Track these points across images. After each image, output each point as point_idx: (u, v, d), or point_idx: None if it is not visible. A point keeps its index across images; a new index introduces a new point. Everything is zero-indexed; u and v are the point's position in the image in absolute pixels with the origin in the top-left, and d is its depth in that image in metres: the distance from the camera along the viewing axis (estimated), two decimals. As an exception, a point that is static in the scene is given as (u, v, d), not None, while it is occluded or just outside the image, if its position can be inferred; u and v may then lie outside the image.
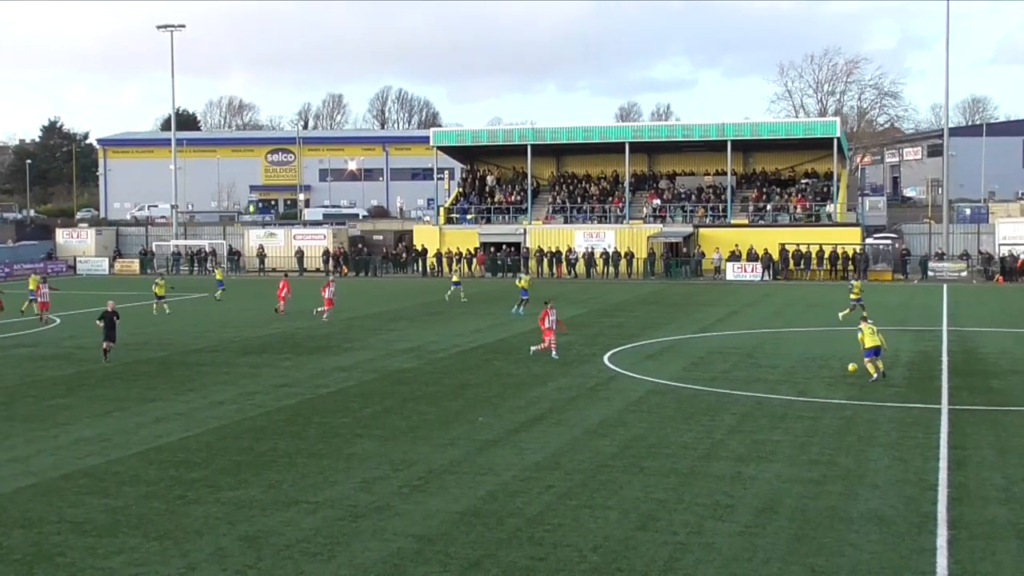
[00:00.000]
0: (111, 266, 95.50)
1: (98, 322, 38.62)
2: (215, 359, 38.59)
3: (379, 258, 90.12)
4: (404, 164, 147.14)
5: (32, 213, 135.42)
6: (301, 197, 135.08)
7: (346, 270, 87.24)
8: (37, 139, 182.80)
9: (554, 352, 37.74)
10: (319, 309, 52.20)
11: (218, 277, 57.75)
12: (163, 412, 28.54)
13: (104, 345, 38.07)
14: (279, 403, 29.70)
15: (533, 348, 38.64)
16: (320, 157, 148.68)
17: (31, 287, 53.46)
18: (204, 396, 30.94)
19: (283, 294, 54.87)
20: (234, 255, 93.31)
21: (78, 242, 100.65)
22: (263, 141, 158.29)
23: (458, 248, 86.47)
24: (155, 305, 55.45)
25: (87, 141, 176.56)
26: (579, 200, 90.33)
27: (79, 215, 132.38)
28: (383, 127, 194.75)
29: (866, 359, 32.48)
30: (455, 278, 64.60)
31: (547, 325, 37.99)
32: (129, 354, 40.23)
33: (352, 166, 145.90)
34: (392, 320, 51.66)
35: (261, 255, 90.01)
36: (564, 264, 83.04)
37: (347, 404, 29.44)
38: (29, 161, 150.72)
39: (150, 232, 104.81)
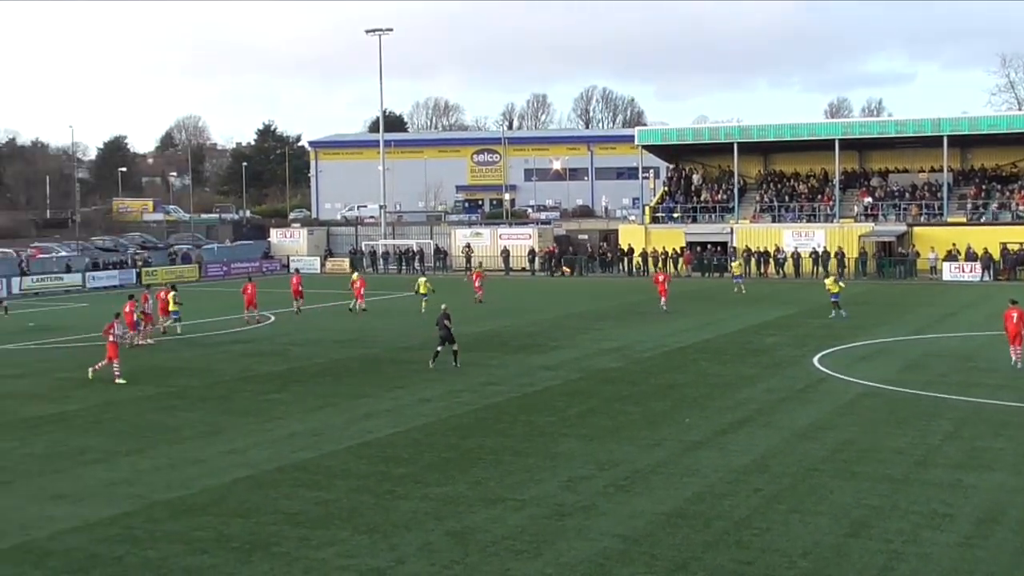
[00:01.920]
0: (322, 265, 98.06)
1: (437, 327, 38.74)
2: (423, 357, 39.19)
3: (584, 257, 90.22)
4: (609, 163, 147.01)
5: (248, 214, 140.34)
6: (507, 197, 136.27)
7: (568, 270, 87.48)
8: (252, 142, 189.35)
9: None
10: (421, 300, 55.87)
11: (421, 291, 57.15)
12: (372, 408, 29.16)
13: (438, 348, 36.85)
14: (485, 401, 30.01)
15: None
16: (525, 157, 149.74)
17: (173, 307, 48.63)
18: (412, 393, 31.49)
19: (478, 284, 60.73)
20: (440, 254, 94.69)
21: (291, 241, 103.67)
22: (469, 141, 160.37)
23: (664, 247, 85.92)
24: (424, 303, 56.16)
25: (299, 143, 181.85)
26: (787, 199, 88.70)
27: (292, 215, 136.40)
28: (587, 126, 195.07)
29: None
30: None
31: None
32: (340, 351, 41.26)
33: (557, 166, 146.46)
34: (597, 319, 51.71)
35: (467, 255, 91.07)
36: (772, 264, 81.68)
37: (552, 403, 29.55)
38: (245, 163, 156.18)
39: (359, 232, 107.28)
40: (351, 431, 26.21)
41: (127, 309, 43.30)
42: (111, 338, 34.84)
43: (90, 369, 35.40)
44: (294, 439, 25.39)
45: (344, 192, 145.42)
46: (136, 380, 34.85)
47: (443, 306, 38.71)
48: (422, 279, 58.79)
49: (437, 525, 18.38)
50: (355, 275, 60.43)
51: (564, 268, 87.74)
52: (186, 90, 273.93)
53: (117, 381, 33.99)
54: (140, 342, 43.81)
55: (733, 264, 75.00)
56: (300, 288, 57.80)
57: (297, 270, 66.76)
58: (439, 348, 36.62)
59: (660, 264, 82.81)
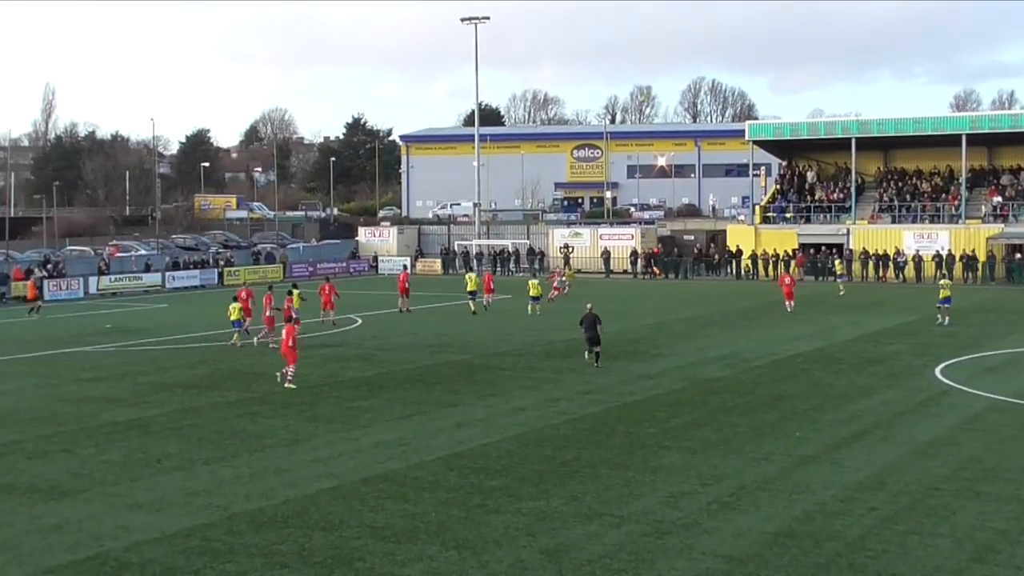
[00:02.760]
0: (413, 266, 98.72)
1: (582, 328, 39.48)
2: (517, 363, 39.36)
3: (690, 259, 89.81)
4: (717, 159, 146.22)
5: (335, 211, 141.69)
6: (608, 195, 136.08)
7: (658, 272, 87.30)
8: (341, 136, 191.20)
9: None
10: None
11: (532, 293, 57.76)
12: (464, 417, 29.33)
13: (586, 351, 38.86)
14: (583, 411, 30.04)
15: None
16: (628, 152, 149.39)
17: (295, 304, 48.58)
18: (506, 401, 31.63)
19: (556, 283, 63.99)
20: (537, 255, 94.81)
21: (380, 241, 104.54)
22: (569, 136, 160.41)
23: (775, 249, 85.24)
24: (535, 307, 57.14)
25: (390, 138, 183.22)
26: (908, 198, 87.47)
27: (381, 213, 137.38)
28: (695, 120, 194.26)
29: None
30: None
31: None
32: (431, 356, 41.55)
33: (661, 162, 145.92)
34: (703, 325, 51.50)
35: (566, 255, 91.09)
36: (892, 267, 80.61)
37: (654, 413, 29.49)
38: (333, 159, 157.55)
39: (452, 231, 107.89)
40: (441, 441, 26.38)
41: (266, 302, 45.84)
42: (268, 312, 43.29)
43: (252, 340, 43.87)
44: (381, 449, 25.61)
45: (436, 189, 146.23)
46: (218, 385, 35.41)
47: (588, 306, 39.44)
48: (534, 280, 59.11)
49: (530, 542, 18.42)
50: (470, 275, 61.57)
51: (654, 269, 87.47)
52: (272, 81, 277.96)
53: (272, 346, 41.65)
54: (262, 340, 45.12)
55: (836, 263, 75.04)
56: (407, 286, 59.82)
57: (405, 267, 67.86)
58: (587, 351, 38.56)
59: (783, 266, 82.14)
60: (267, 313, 45.50)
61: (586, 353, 38.81)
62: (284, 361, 35.48)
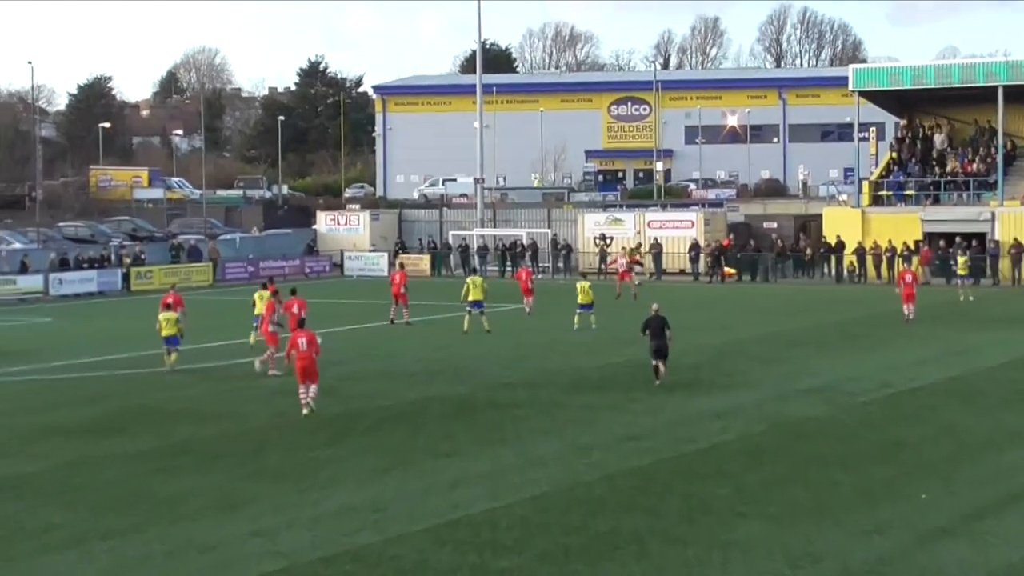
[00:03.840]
0: (392, 263, 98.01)
1: (646, 334, 40.64)
2: (534, 397, 39.30)
3: (772, 255, 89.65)
4: (809, 117, 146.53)
5: (285, 190, 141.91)
6: (659, 166, 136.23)
7: (729, 272, 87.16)
8: (293, 87, 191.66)
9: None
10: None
11: (581, 299, 57.98)
12: (461, 472, 29.25)
13: (654, 363, 40.59)
14: (624, 463, 29.95)
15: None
16: (686, 109, 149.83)
17: (257, 310, 51.36)
18: (518, 450, 31.54)
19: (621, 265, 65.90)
20: (561, 249, 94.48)
21: (346, 230, 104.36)
22: (605, 87, 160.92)
23: (890, 241, 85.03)
24: (590, 317, 57.49)
25: (360, 89, 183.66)
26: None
27: (348, 192, 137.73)
28: (778, 64, 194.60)
29: None
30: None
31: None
32: (416, 388, 41.55)
33: (733, 121, 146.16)
34: (790, 345, 51.51)
35: (602, 250, 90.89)
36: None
37: (723, 467, 29.39)
38: (282, 118, 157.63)
39: (445, 217, 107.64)
40: (430, 505, 26.32)
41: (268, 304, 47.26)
42: (269, 325, 44.78)
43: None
44: (348, 516, 25.56)
45: (424, 160, 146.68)
46: (122, 428, 35.40)
47: (654, 306, 40.39)
48: (583, 283, 58.99)
49: (553, 644, 18.37)
50: (472, 279, 60.77)
51: (726, 269, 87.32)
52: (197, 12, 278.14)
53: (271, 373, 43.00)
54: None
55: (960, 260, 74.20)
56: (404, 290, 60.27)
57: (401, 264, 68.17)
58: (655, 362, 40.51)
59: (901, 262, 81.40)
60: (267, 328, 46.13)
61: (654, 368, 40.45)
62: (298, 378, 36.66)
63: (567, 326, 57.08)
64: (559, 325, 57.62)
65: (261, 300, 50.33)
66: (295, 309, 47.13)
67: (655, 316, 39.68)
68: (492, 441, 32.85)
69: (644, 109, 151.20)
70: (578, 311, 57.31)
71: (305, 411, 36.68)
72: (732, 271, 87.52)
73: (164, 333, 46.06)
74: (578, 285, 58.71)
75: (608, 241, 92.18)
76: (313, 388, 36.84)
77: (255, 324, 50.80)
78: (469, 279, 59.68)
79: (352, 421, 36.07)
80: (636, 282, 67.95)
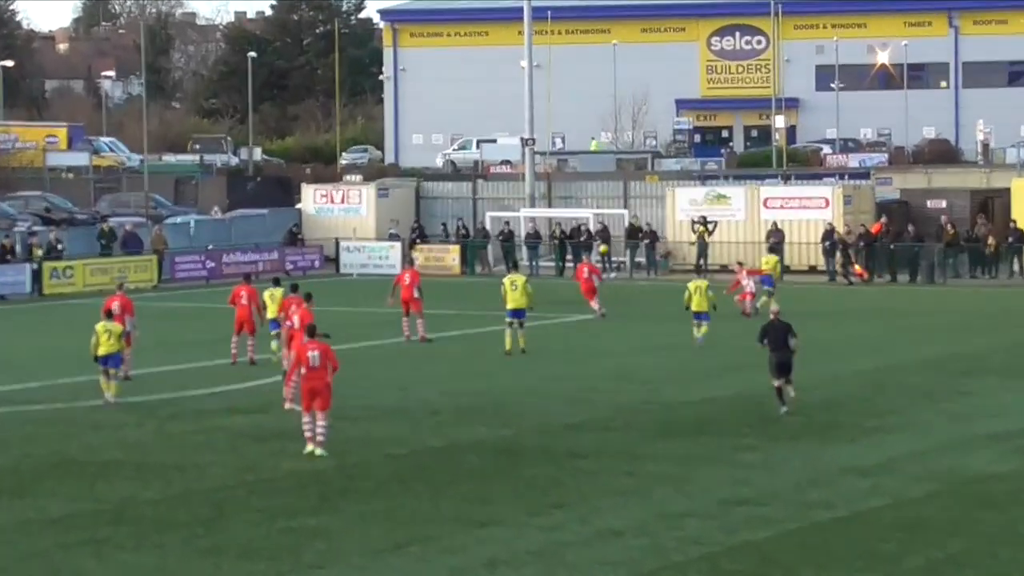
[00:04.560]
0: (405, 257, 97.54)
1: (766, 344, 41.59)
2: (605, 445, 39.36)
3: (940, 246, 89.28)
4: (992, 53, 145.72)
5: (258, 155, 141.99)
6: (779, 122, 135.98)
7: (860, 272, 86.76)
8: (267, 13, 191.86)
9: None
10: None
11: (695, 305, 57.60)
12: (503, 548, 29.24)
13: (776, 384, 41.76)
14: (732, 537, 29.91)
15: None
16: (817, 41, 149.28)
17: (271, 313, 53.25)
18: (583, 519, 31.51)
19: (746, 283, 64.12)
20: (644, 236, 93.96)
21: (344, 211, 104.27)
22: (704, 10, 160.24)
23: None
24: (703, 328, 58.19)
25: (360, 15, 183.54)
26: None
27: (346, 159, 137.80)
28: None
29: None
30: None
31: None
32: (439, 431, 41.58)
33: (883, 58, 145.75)
34: (967, 373, 51.56)
35: (701, 236, 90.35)
36: None
37: (872, 546, 29.31)
38: (253, 55, 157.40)
39: (480, 191, 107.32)
40: (458, 594, 26.42)
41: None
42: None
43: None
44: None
45: (450, 113, 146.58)
46: (32, 486, 35.50)
47: (773, 310, 41.81)
48: (700, 282, 59.05)
49: None
50: (512, 278, 60.90)
51: (855, 268, 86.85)
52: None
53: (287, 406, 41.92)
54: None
55: None
56: (417, 293, 60.69)
57: (411, 261, 68.39)
58: (777, 382, 41.29)
59: None
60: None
61: (777, 391, 41.58)
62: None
63: (649, 345, 57.09)
64: (640, 344, 57.60)
65: (273, 300, 52.15)
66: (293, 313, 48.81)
67: (776, 321, 40.49)
68: (546, 505, 32.84)
69: (759, 42, 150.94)
70: (695, 325, 57.43)
71: (314, 449, 37.34)
72: (861, 270, 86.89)
73: (102, 351, 46.00)
74: (691, 285, 58.81)
75: (711, 227, 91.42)
76: (321, 420, 37.27)
77: (274, 330, 52.20)
78: (507, 278, 59.65)
79: (351, 477, 36.11)
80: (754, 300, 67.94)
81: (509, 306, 57.57)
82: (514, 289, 57.79)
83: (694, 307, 57.61)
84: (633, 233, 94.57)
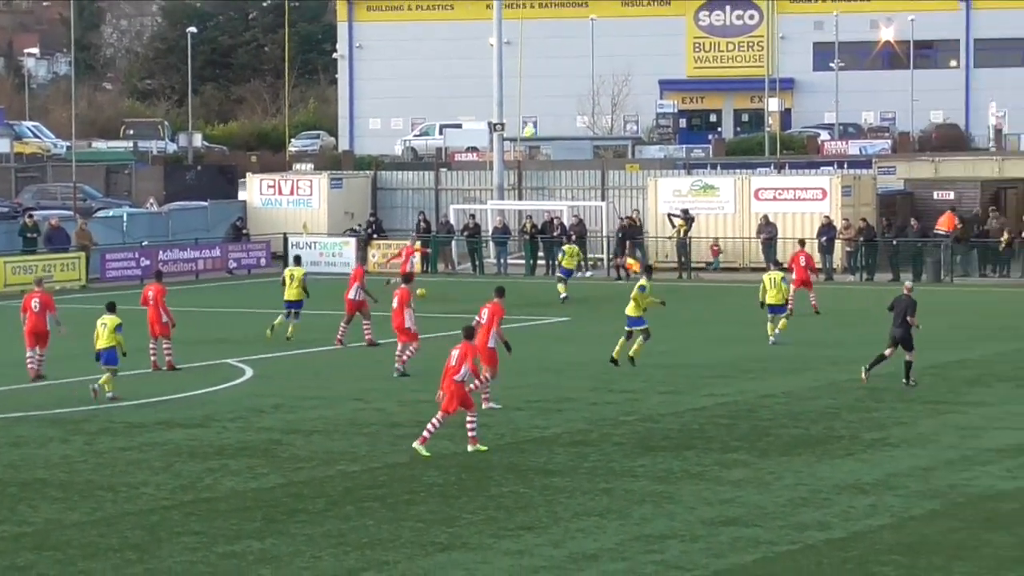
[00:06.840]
0: (362, 253, 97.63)
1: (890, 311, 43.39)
2: (579, 461, 39.55)
3: (948, 241, 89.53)
4: (1007, 28, 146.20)
5: (199, 141, 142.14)
6: (773, 105, 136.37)
7: (630, 265, 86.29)
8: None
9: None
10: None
11: (771, 297, 57.80)
12: (467, 575, 29.35)
13: (887, 351, 45.54)
14: (718, 561, 30.01)
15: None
16: (815, 15, 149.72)
17: (293, 294, 58.90)
18: (555, 542, 31.63)
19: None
20: (623, 229, 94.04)
21: (293, 203, 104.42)
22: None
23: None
24: (779, 324, 59.16)
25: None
26: None
27: (296, 146, 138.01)
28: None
29: None
30: None
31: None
32: (400, 446, 41.66)
33: (888, 35, 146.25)
34: (975, 381, 51.86)
35: (681, 232, 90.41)
36: None
37: (871, 569, 29.40)
38: (193, 30, 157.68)
39: (444, 183, 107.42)
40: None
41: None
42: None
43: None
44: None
45: (411, 95, 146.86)
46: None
47: (907, 284, 44.99)
48: (775, 274, 59.24)
49: None
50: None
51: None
52: None
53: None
54: None
55: None
56: (360, 293, 60.92)
57: (363, 258, 68.48)
58: (888, 350, 44.60)
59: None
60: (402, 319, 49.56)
61: (876, 360, 46.09)
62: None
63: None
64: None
65: (293, 281, 55.93)
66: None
67: (906, 297, 44.35)
68: (514, 527, 32.94)
69: (751, 16, 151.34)
70: (770, 315, 57.66)
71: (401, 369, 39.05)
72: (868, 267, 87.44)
73: (100, 344, 47.68)
74: (765, 278, 59.15)
75: (689, 221, 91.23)
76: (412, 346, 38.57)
77: (289, 310, 57.20)
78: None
79: (300, 497, 36.14)
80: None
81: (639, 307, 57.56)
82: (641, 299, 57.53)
83: (769, 300, 58.13)
84: (634, 231, 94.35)
